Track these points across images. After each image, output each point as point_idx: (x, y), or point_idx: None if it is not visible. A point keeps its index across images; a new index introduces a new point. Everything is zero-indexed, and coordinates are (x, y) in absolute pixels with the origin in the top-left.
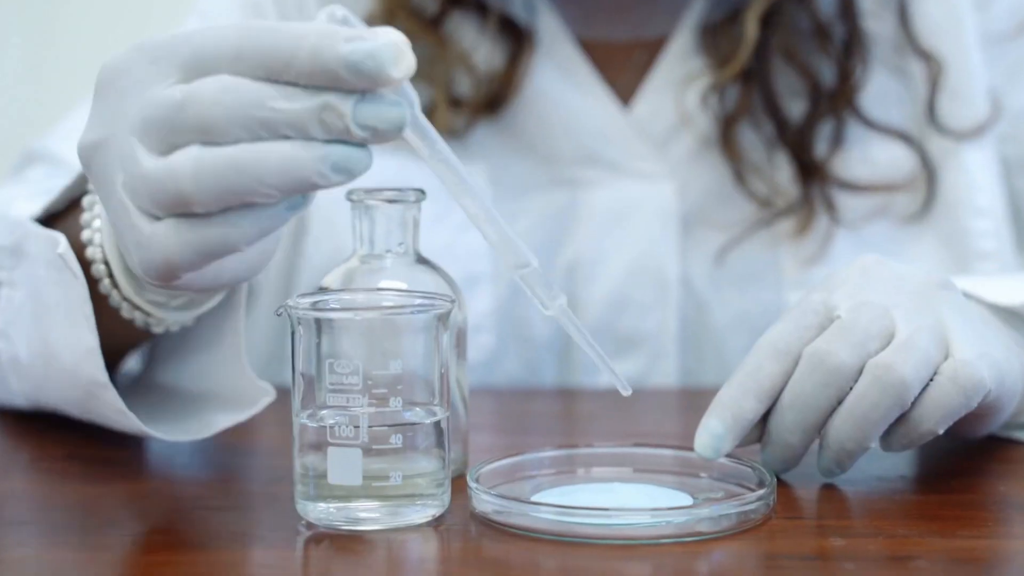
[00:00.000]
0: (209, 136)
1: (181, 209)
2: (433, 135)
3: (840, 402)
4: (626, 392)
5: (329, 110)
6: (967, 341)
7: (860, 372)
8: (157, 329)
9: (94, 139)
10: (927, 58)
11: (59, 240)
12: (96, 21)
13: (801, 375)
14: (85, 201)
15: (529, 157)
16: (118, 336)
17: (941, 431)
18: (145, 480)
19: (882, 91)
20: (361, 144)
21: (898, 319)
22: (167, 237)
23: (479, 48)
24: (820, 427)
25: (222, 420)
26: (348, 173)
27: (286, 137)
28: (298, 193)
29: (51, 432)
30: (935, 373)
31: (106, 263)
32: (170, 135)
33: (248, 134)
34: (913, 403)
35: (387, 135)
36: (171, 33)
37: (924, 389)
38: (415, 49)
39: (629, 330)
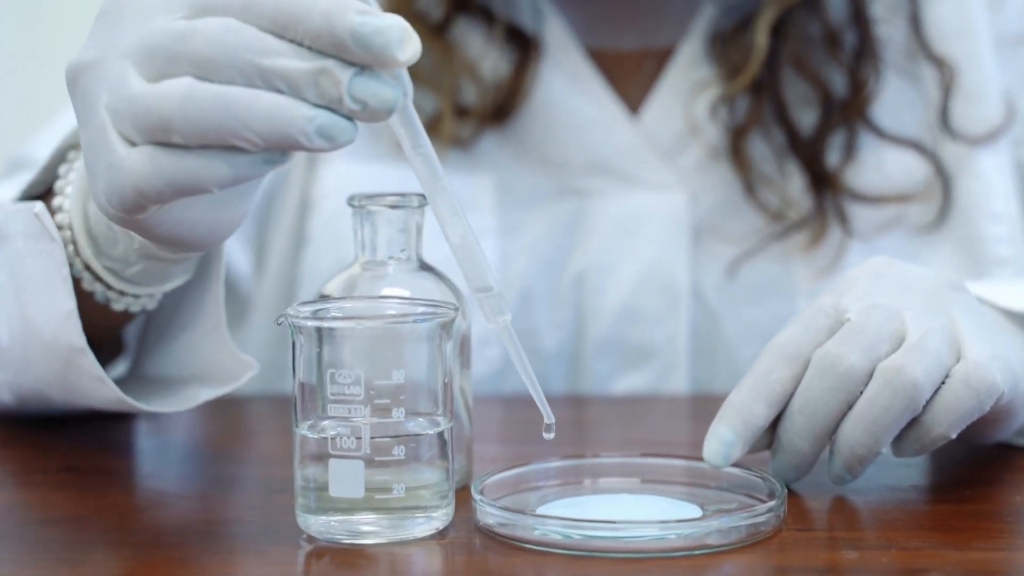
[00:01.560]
0: (204, 72)
1: (161, 136)
2: (419, 128)
3: (851, 406)
4: (548, 423)
5: (326, 75)
6: (979, 343)
7: (871, 375)
8: (117, 306)
9: (86, 59)
10: (940, 63)
11: (35, 204)
12: (83, 18)
13: (811, 379)
14: (61, 169)
15: (537, 167)
16: (90, 316)
17: (954, 435)
18: (141, 492)
19: (894, 97)
20: (348, 117)
21: (909, 321)
22: (140, 162)
23: (486, 56)
24: (831, 432)
25: (205, 393)
26: (331, 140)
27: (279, 92)
28: (279, 149)
29: (42, 443)
30: (947, 376)
31: (71, 228)
32: (166, 64)
33: (243, 79)
34: (925, 407)
35: (377, 113)
36: None
37: (936, 392)
38: (421, 56)
39: (640, 342)
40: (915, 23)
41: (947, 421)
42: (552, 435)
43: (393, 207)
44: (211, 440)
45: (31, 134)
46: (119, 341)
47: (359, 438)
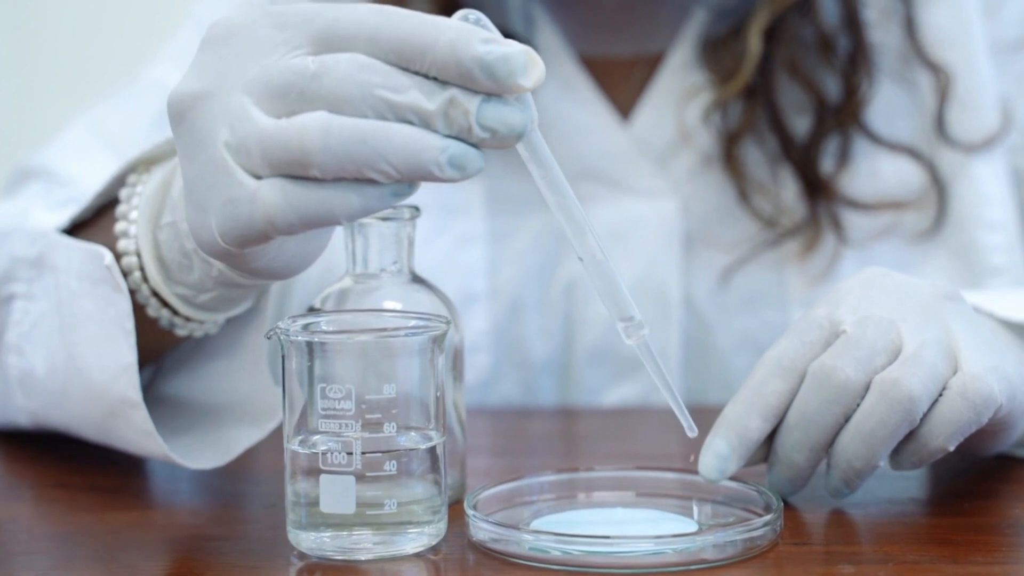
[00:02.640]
0: (338, 109)
1: (296, 170)
2: (546, 153)
3: (847, 419)
4: (691, 433)
5: (455, 105)
6: (976, 354)
7: (867, 388)
8: (181, 332)
9: (195, 90)
10: (935, 69)
11: (103, 253)
12: (76, 24)
13: (807, 392)
14: (122, 193)
15: (528, 173)
16: (145, 340)
17: (951, 448)
18: (144, 509)
19: (889, 104)
20: (476, 146)
21: (905, 333)
22: (272, 195)
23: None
24: (827, 446)
25: (243, 438)
26: (463, 170)
27: (410, 123)
28: (412, 180)
29: (35, 459)
30: (944, 388)
31: (138, 255)
32: (296, 103)
33: (375, 114)
34: (922, 419)
35: (506, 140)
36: (301, 3)
37: (933, 405)
38: None
39: (630, 351)
40: (910, 28)
41: (944, 434)
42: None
43: (384, 219)
44: None
45: (29, 142)
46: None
47: (350, 453)
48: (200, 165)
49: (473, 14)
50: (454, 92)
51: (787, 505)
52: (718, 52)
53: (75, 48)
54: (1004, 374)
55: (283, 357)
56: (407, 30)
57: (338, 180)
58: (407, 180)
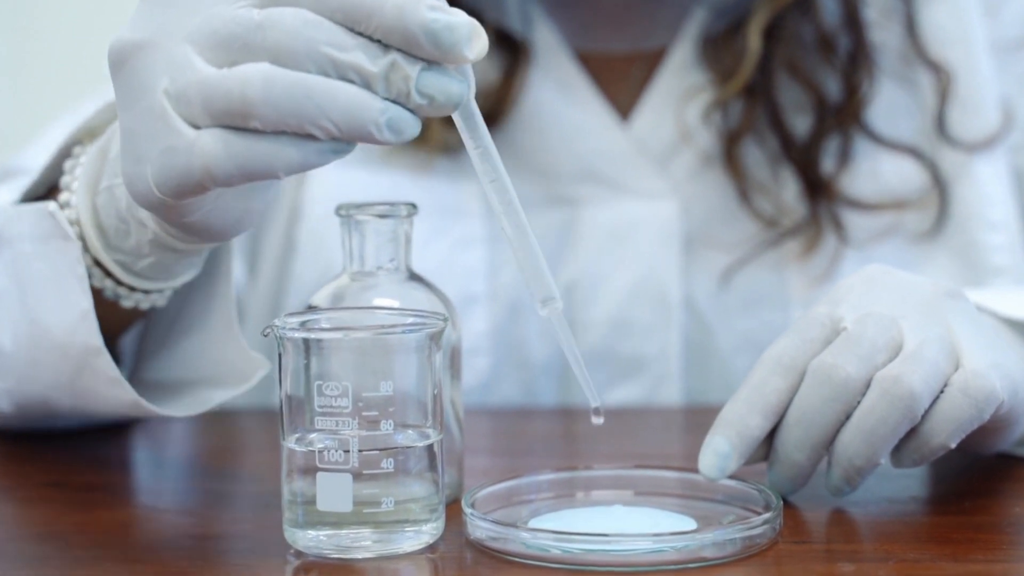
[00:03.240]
0: (280, 62)
1: (237, 120)
2: (479, 123)
3: (848, 417)
4: (596, 407)
5: (396, 69)
6: (978, 351)
7: (868, 385)
8: (127, 303)
9: (137, 39)
10: (936, 68)
11: (47, 204)
12: (73, 24)
13: (807, 390)
14: (66, 164)
15: (526, 174)
16: (99, 317)
17: (953, 445)
18: (130, 508)
19: (890, 103)
20: (414, 112)
21: (906, 330)
22: (212, 145)
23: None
24: (828, 443)
25: (218, 395)
26: (399, 134)
27: (351, 83)
28: (351, 139)
29: (28, 457)
30: (945, 385)
31: (79, 225)
32: (239, 53)
33: (317, 70)
34: (923, 417)
35: (443, 107)
36: None
37: (934, 402)
38: None
39: (631, 353)
40: (910, 28)
41: (946, 431)
42: (601, 420)
43: (381, 216)
44: (199, 454)
45: (21, 145)
46: (116, 352)
47: (347, 451)
48: (138, 114)
49: None
50: (396, 56)
51: (787, 503)
52: (718, 51)
53: (72, 48)
54: (1006, 371)
55: (280, 355)
56: None
57: (278, 133)
58: (346, 138)
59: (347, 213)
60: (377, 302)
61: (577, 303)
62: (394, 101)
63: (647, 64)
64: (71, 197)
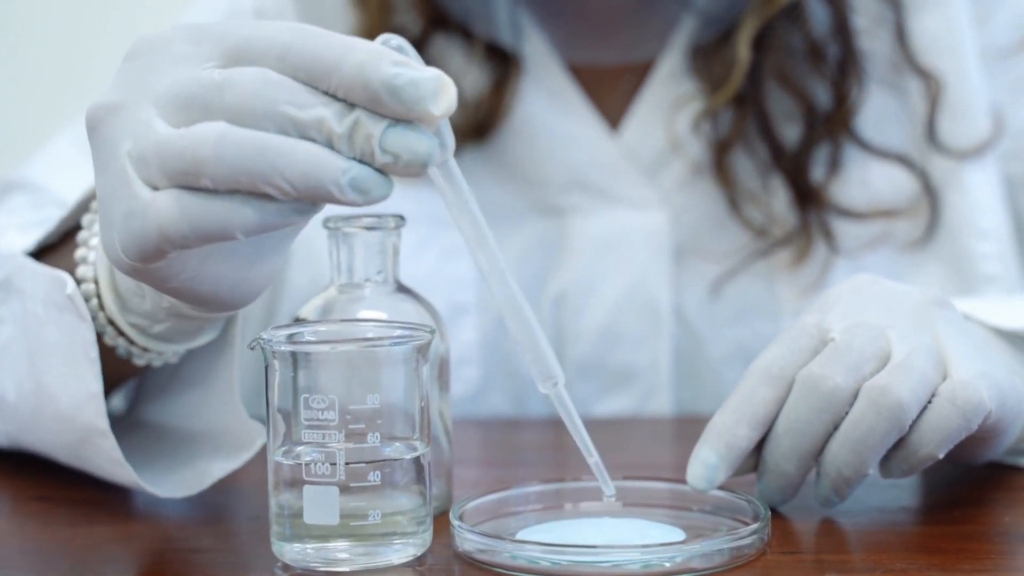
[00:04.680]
0: (239, 122)
1: (189, 180)
2: (461, 184)
3: (836, 427)
4: (609, 494)
5: (360, 127)
6: (966, 361)
7: (856, 396)
8: (140, 362)
9: (109, 103)
10: (925, 76)
11: (66, 281)
12: (72, 29)
13: (795, 400)
14: (84, 219)
15: (515, 184)
16: (106, 366)
17: (941, 455)
18: (125, 522)
19: (879, 112)
20: (383, 172)
21: (894, 340)
22: (166, 206)
23: (465, 74)
24: (816, 454)
25: (216, 469)
26: (364, 194)
27: (313, 142)
28: (310, 199)
29: (25, 473)
30: (933, 395)
31: (95, 283)
32: (198, 113)
33: (276, 129)
34: (911, 427)
35: (410, 167)
36: (219, 21)
37: (922, 412)
38: None
39: (621, 364)
40: (900, 35)
41: (934, 441)
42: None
43: (369, 228)
44: None
45: (18, 154)
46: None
47: (334, 464)
48: (107, 178)
49: (395, 39)
50: (360, 114)
51: (776, 514)
52: (707, 60)
53: (70, 54)
54: (994, 381)
55: (267, 368)
56: (317, 48)
57: (232, 192)
58: (305, 198)
59: (335, 226)
60: (364, 314)
61: (567, 313)
62: (361, 161)
63: (637, 74)
64: (88, 253)
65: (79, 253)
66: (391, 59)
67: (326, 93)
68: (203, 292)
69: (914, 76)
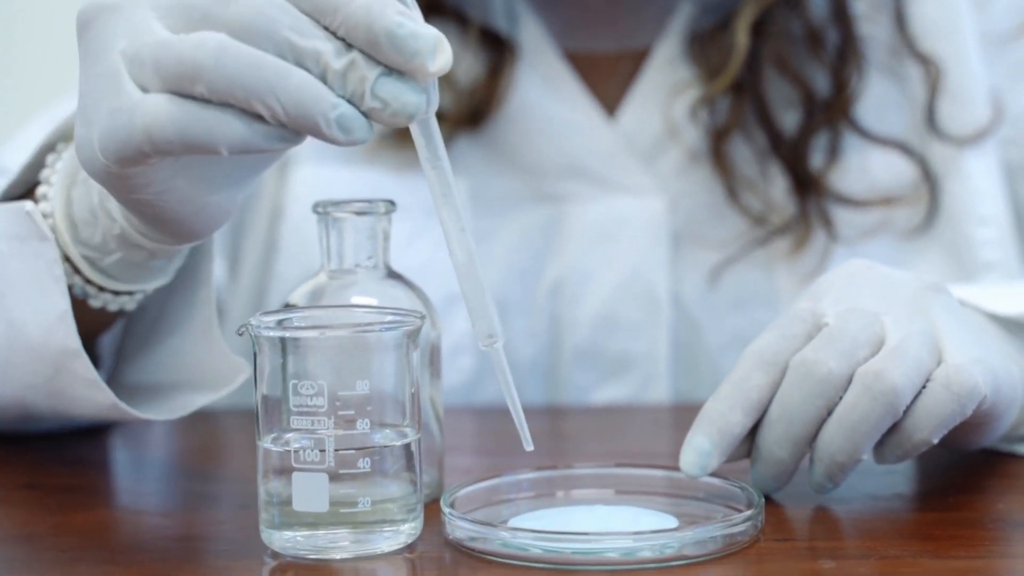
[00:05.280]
0: (239, 36)
1: (184, 85)
2: (438, 141)
3: (830, 413)
4: (528, 447)
5: (355, 68)
6: (960, 346)
7: (850, 381)
8: (95, 302)
9: (103, 2)
10: (925, 61)
11: (23, 203)
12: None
13: (789, 386)
14: (48, 158)
15: (512, 171)
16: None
17: (936, 440)
18: (107, 509)
19: (879, 98)
20: (367, 116)
21: (888, 325)
22: (156, 107)
23: (460, 60)
24: (810, 440)
25: (199, 399)
26: (347, 133)
27: (307, 71)
28: (297, 126)
29: (13, 460)
30: (927, 380)
31: (54, 216)
32: (199, 23)
33: (274, 51)
34: (906, 412)
35: (396, 116)
36: None
37: (917, 397)
38: None
39: (619, 351)
40: (899, 21)
41: (928, 426)
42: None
43: (360, 214)
44: (177, 455)
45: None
46: (94, 354)
47: (323, 451)
48: (95, 76)
49: None
50: (356, 56)
51: (770, 501)
52: (705, 47)
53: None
54: (988, 366)
55: (255, 354)
56: None
57: (224, 105)
58: (292, 125)
59: (325, 211)
60: (355, 300)
61: (564, 300)
62: (349, 101)
63: (633, 61)
64: (48, 190)
65: (40, 190)
66: (396, 8)
67: (327, 29)
68: (166, 211)
69: (913, 62)
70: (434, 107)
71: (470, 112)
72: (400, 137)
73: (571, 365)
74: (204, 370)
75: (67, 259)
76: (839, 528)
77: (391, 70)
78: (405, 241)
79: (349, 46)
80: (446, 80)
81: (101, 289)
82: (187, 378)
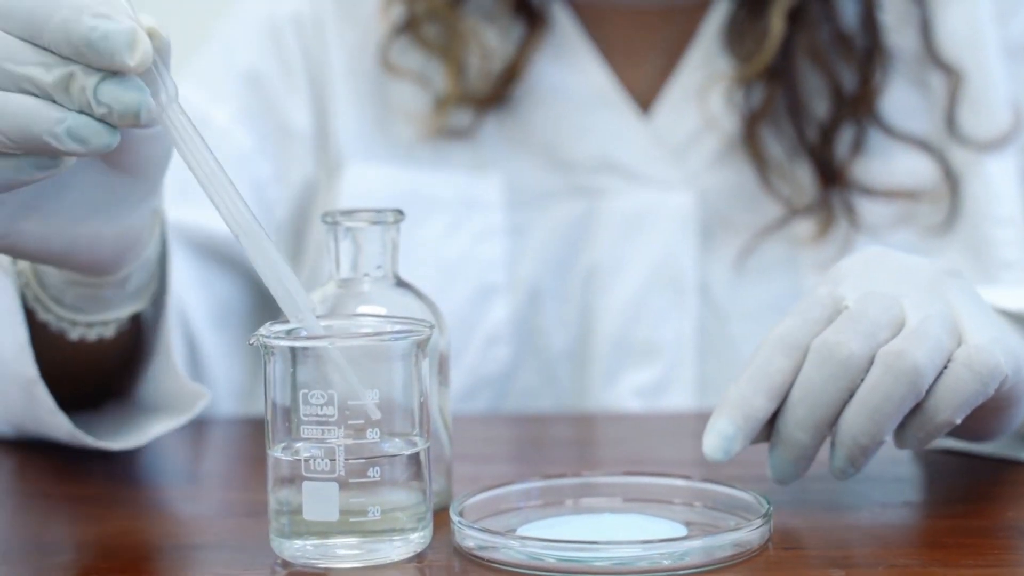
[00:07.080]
0: None
1: None
2: (187, 131)
3: (852, 395)
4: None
5: (75, 80)
6: (980, 327)
7: (871, 362)
8: (72, 335)
9: None
10: (948, 69)
11: None
12: None
13: (810, 368)
14: None
15: (547, 166)
16: (58, 348)
17: (958, 420)
18: (125, 518)
19: (903, 103)
20: (106, 121)
21: (907, 307)
22: None
23: (489, 36)
24: (832, 422)
25: (157, 427)
26: (83, 143)
27: (33, 96)
28: (29, 149)
29: (26, 470)
30: (949, 360)
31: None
32: None
33: None
34: (928, 393)
35: (124, 118)
36: None
37: (938, 378)
38: (430, 28)
39: (646, 339)
40: (925, 32)
41: (951, 406)
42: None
43: (370, 224)
44: (186, 463)
45: None
46: (107, 376)
47: (333, 460)
48: None
49: None
50: (75, 67)
51: (778, 510)
52: (741, 36)
53: None
54: (1009, 347)
55: (265, 363)
56: (30, 6)
57: None
58: (25, 148)
59: (333, 220)
60: (364, 309)
61: (595, 291)
62: (84, 113)
63: (667, 54)
64: None
65: None
66: (92, 11)
67: (45, 48)
68: (31, 253)
69: (937, 71)
70: (172, 99)
71: (494, 90)
72: (422, 128)
73: (601, 352)
74: (166, 396)
75: (39, 300)
76: (848, 537)
77: (114, 73)
78: (442, 234)
79: (67, 59)
80: (479, 48)
81: (74, 323)
82: (152, 404)
